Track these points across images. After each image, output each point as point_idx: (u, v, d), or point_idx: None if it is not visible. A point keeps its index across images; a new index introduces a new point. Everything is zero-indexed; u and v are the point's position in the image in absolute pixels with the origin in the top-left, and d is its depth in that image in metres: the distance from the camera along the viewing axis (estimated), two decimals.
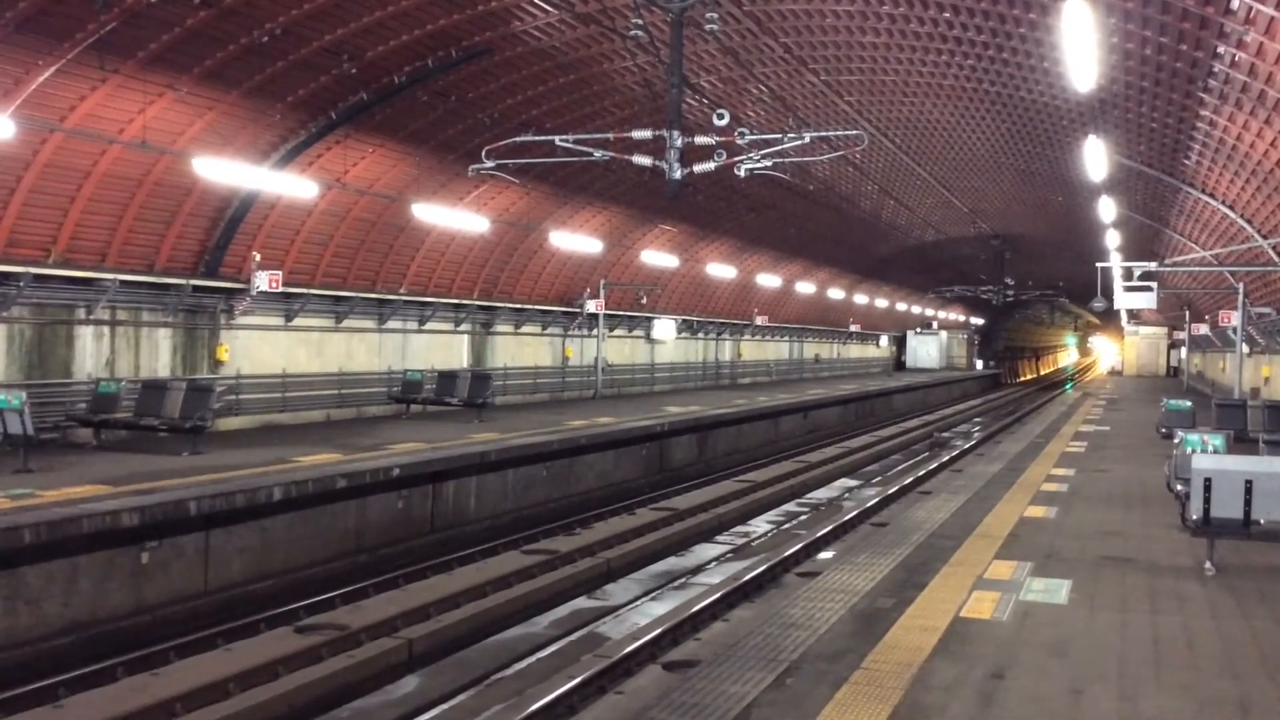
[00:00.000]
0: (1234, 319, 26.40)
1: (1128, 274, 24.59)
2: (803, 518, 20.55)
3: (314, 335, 22.75)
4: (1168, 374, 65.06)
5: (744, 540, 18.32)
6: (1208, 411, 22.41)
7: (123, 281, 18.00)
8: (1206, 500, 9.64)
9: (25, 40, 14.20)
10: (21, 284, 16.38)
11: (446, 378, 23.99)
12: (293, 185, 19.00)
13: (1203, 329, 40.02)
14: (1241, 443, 15.61)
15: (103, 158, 16.70)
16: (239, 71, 16.97)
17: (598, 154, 15.35)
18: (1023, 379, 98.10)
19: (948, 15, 18.40)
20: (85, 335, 17.89)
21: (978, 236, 47.05)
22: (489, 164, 16.26)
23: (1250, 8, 13.66)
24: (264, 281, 20.09)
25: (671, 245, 33.90)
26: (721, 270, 36.32)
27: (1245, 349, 29.24)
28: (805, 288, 45.45)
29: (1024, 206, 38.70)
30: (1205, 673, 7.11)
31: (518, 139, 16.63)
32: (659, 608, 13.55)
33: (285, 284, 20.61)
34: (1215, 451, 11.51)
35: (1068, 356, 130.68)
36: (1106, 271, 25.60)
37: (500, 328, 29.03)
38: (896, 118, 26.07)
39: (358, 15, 16.62)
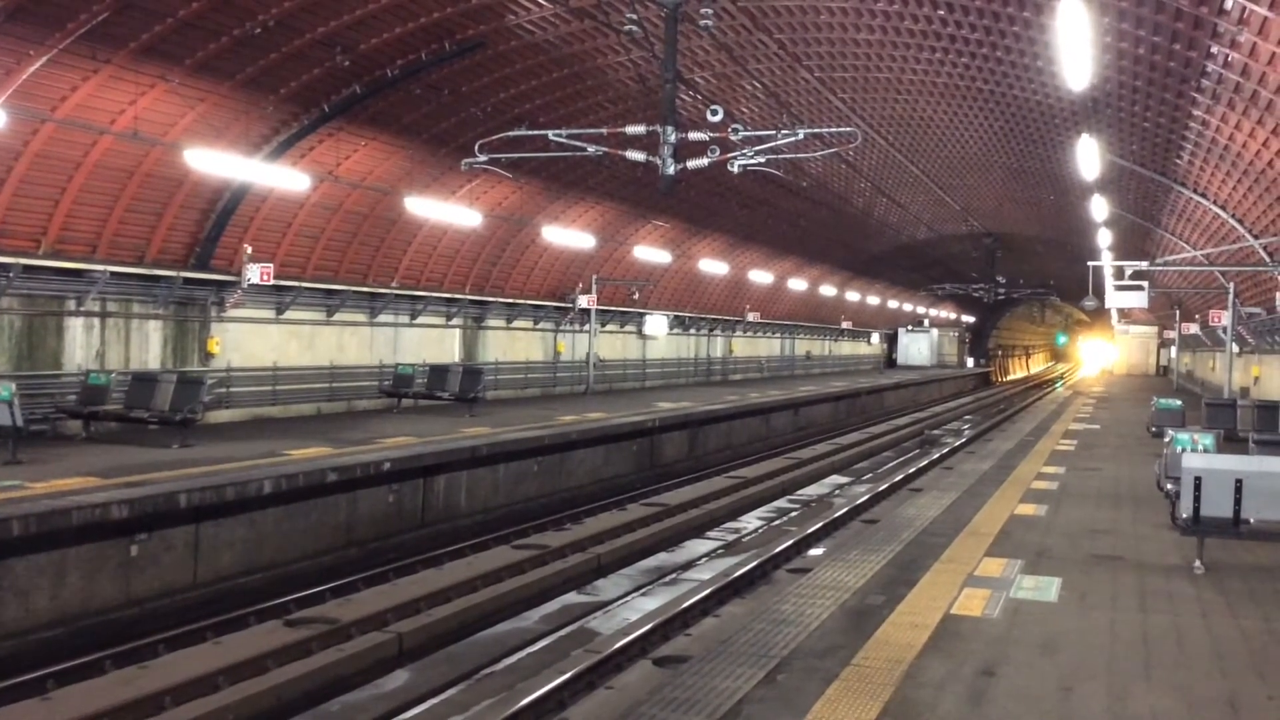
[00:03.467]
0: (1224, 318, 26.49)
1: (1119, 273, 24.68)
2: (793, 514, 20.56)
3: (305, 328, 22.69)
4: (1157, 373, 65.36)
5: (735, 536, 18.34)
6: (1197, 410, 22.52)
7: (113, 273, 17.93)
8: (1196, 499, 9.65)
9: (17, 29, 14.11)
10: (11, 275, 16.32)
11: (438, 372, 23.96)
12: (285, 178, 18.91)
13: (1193, 328, 40.16)
14: (1231, 442, 15.67)
15: (94, 149, 16.62)
16: (232, 63, 16.90)
17: (591, 149, 15.33)
18: (1013, 377, 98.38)
19: (941, 13, 18.41)
20: (75, 327, 17.82)
21: (970, 234, 47.08)
22: (482, 158, 16.26)
23: (1244, 8, 13.69)
24: (255, 274, 20.01)
25: (664, 241, 33.87)
26: (714, 266, 36.29)
27: (1235, 348, 29.34)
28: (797, 284, 45.46)
29: (1016, 205, 38.75)
30: (1195, 671, 7.12)
31: (511, 133, 16.59)
32: (649, 603, 13.56)
33: (277, 277, 20.53)
34: (1205, 450, 11.57)
35: (1057, 355, 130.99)
36: (1098, 270, 25.69)
37: (492, 322, 28.99)
38: (890, 115, 26.07)
39: (351, 8, 16.56)
